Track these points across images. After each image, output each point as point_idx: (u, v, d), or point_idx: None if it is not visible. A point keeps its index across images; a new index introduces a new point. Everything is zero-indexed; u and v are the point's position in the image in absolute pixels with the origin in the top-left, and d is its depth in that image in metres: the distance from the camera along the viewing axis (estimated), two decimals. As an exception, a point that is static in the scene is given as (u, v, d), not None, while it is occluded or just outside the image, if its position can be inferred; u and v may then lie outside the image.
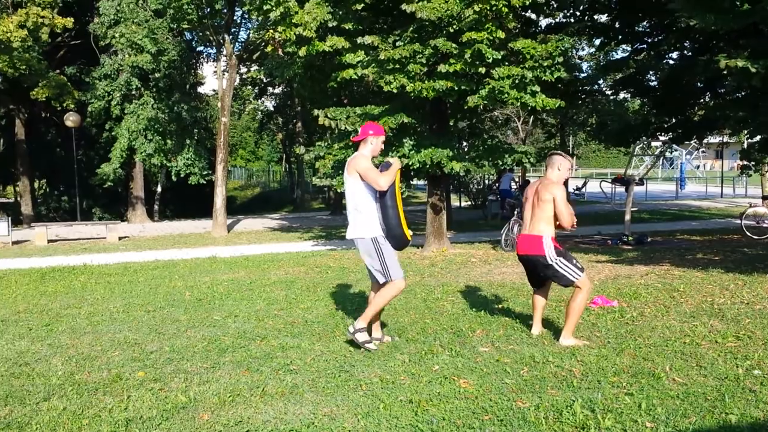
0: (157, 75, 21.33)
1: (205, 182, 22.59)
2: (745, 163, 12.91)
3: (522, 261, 5.56)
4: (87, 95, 21.98)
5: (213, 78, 25.91)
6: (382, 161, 5.56)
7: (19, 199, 26.29)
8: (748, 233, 12.75)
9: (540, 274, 5.47)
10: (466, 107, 10.88)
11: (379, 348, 5.28)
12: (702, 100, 14.94)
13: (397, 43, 10.50)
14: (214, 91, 33.58)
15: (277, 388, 4.41)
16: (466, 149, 12.71)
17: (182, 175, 22.46)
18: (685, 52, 14.67)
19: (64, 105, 21.00)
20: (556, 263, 5.21)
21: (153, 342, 5.82)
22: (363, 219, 5.25)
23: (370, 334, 5.41)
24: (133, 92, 21.74)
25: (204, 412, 4.03)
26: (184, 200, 31.43)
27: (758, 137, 12.54)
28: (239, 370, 4.84)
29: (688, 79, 13.31)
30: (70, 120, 19.15)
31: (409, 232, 5.33)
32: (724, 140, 24.06)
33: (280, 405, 4.11)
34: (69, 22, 19.63)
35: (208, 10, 17.56)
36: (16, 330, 6.49)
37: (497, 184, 20.05)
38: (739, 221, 13.54)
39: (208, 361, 5.12)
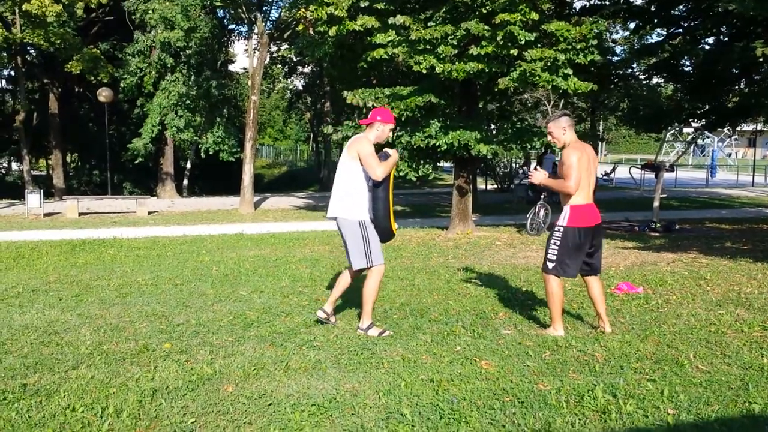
0: (188, 52, 21.46)
1: (233, 159, 22.77)
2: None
3: (592, 234, 4.99)
4: (120, 71, 22.20)
5: (244, 56, 26.02)
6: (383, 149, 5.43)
7: (51, 172, 26.76)
8: (780, 223, 12.53)
9: (599, 247, 5.13)
10: (496, 89, 10.80)
11: (389, 331, 5.26)
12: (737, 87, 14.66)
13: (429, 24, 10.43)
14: (244, 69, 33.74)
15: (300, 363, 4.47)
16: (494, 132, 12.63)
17: (211, 153, 22.64)
18: (722, 37, 14.37)
19: (99, 78, 21.23)
20: None
21: (180, 315, 5.92)
22: (353, 201, 5.17)
23: (372, 323, 5.35)
24: (167, 69, 21.90)
25: (228, 384, 4.10)
26: (213, 177, 31.69)
27: (794, 126, 12.27)
28: (264, 345, 4.92)
29: (723, 66, 13.05)
30: (103, 95, 19.38)
31: (395, 226, 5.31)
32: (758, 128, 23.56)
33: (303, 380, 4.17)
34: (103, -3, 19.82)
35: (241, -13, 17.59)
36: (46, 300, 6.64)
37: (524, 168, 19.99)
38: (771, 211, 13.29)
39: (234, 335, 5.20)
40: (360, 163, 5.10)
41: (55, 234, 12.54)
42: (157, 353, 4.75)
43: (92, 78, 21.51)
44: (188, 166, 28.43)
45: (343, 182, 5.22)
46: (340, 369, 4.37)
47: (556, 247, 4.96)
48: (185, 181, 27.79)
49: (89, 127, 29.80)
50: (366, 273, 5.31)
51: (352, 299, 6.52)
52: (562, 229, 4.95)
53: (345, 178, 5.21)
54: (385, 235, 5.27)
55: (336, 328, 5.40)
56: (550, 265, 5.00)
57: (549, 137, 5.17)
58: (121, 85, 22.37)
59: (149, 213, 16.94)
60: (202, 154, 23.71)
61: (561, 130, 5.00)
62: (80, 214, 16.30)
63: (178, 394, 3.96)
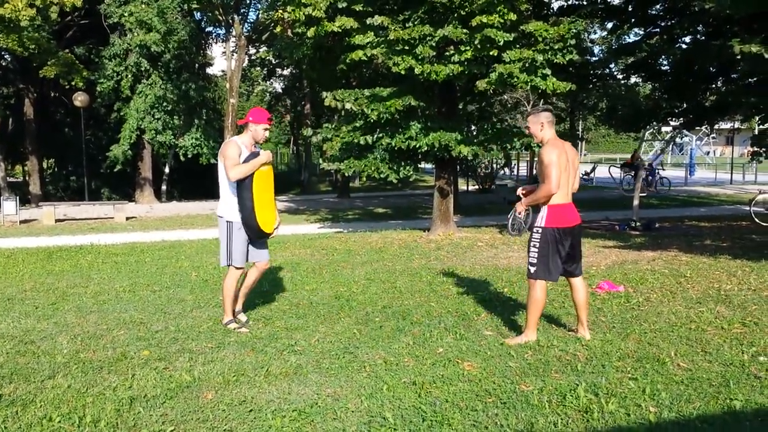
0: (166, 55, 21.29)
1: (213, 162, 22.61)
2: (756, 149, 12.78)
3: (571, 235, 4.87)
4: (96, 75, 21.96)
5: (222, 59, 25.85)
6: (260, 149, 5.51)
7: (27, 178, 26.42)
8: (757, 220, 12.66)
9: (578, 248, 4.98)
10: (475, 91, 10.81)
11: (247, 328, 5.45)
12: (714, 86, 14.80)
13: (407, 25, 10.42)
14: (222, 72, 33.49)
15: (281, 369, 4.42)
16: (474, 133, 12.64)
17: (190, 155, 22.48)
18: (698, 36, 14.51)
19: (73, 83, 20.98)
20: None
21: (158, 321, 5.84)
22: (223, 202, 5.42)
23: (235, 318, 5.63)
24: (143, 72, 21.72)
25: (208, 392, 4.04)
26: (192, 181, 31.44)
27: (770, 123, 12.42)
28: (244, 351, 4.86)
29: (700, 64, 13.17)
30: (79, 99, 19.17)
31: (270, 225, 5.43)
32: (735, 126, 23.84)
33: (284, 385, 4.12)
34: (78, 0, 19.56)
35: (218, -11, 17.49)
36: (22, 308, 6.52)
37: (504, 169, 20.11)
38: (748, 208, 13.44)
39: (213, 341, 5.14)
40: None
41: (31, 241, 12.36)
42: (135, 361, 4.68)
43: (66, 83, 21.26)
44: (167, 170, 28.19)
45: (220, 184, 5.47)
46: (322, 373, 4.33)
47: (536, 250, 4.81)
48: (164, 186, 27.55)
49: (66, 133, 29.46)
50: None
51: (336, 304, 6.48)
52: (540, 230, 4.81)
53: (220, 180, 5.44)
54: (254, 232, 5.39)
55: (317, 332, 5.35)
56: (533, 269, 4.82)
57: (527, 131, 5.04)
58: (98, 89, 22.13)
59: (127, 218, 16.76)
60: (181, 158, 23.54)
61: (539, 125, 4.84)
62: (57, 220, 16.09)
63: (156, 402, 3.90)
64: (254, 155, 5.28)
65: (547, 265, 4.79)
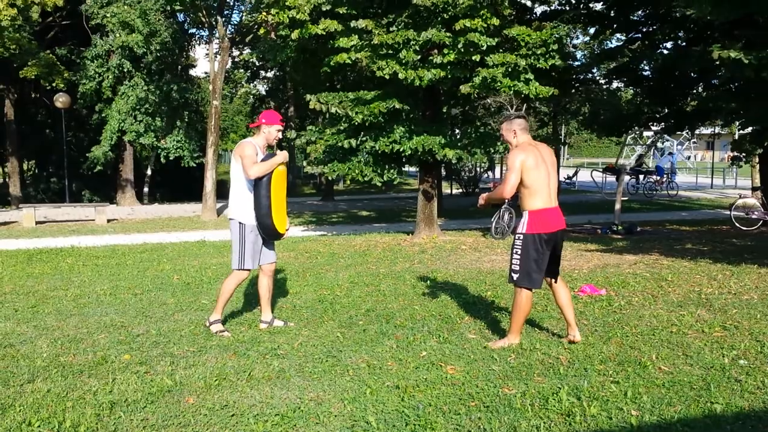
0: (149, 57, 21.14)
1: (195, 165, 22.49)
2: (736, 154, 12.91)
3: (554, 240, 4.80)
4: (78, 76, 21.76)
5: (205, 60, 25.73)
6: (275, 150, 5.57)
7: (7, 180, 26.10)
8: (737, 224, 12.80)
9: (558, 253, 4.94)
10: (459, 95, 10.84)
11: (230, 333, 5.40)
12: (695, 91, 14.95)
13: (391, 28, 10.43)
14: (205, 73, 33.35)
15: (263, 373, 4.39)
16: (458, 136, 12.68)
17: (171, 158, 22.33)
18: (679, 42, 14.67)
19: (54, 84, 20.78)
20: None
21: (140, 325, 5.79)
22: (237, 203, 5.37)
23: (224, 324, 5.59)
24: (125, 74, 21.55)
25: (189, 396, 4.01)
26: (174, 184, 31.26)
27: (750, 128, 12.56)
28: (226, 354, 4.83)
29: (681, 70, 13.31)
30: (60, 101, 18.98)
31: (283, 225, 5.41)
32: (716, 131, 24.13)
33: (266, 389, 4.10)
34: (60, 0, 19.38)
35: (202, -9, 17.40)
36: (1, 311, 6.45)
37: (488, 173, 20.19)
38: (728, 212, 13.58)
39: (195, 345, 5.10)
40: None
41: (10, 243, 12.21)
42: (116, 365, 4.63)
43: (47, 84, 21.04)
44: (149, 172, 27.99)
45: (232, 185, 5.43)
46: (304, 377, 4.31)
47: (519, 257, 4.73)
48: (146, 188, 27.32)
49: (47, 134, 29.15)
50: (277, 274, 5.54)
51: (320, 308, 6.46)
52: (521, 236, 4.74)
53: (233, 180, 5.42)
54: (269, 232, 5.36)
55: (300, 335, 5.33)
56: (515, 276, 4.75)
57: (501, 138, 4.99)
58: (79, 90, 21.92)
59: (108, 221, 16.62)
60: (163, 160, 23.37)
61: (511, 133, 4.80)
62: (37, 222, 15.91)
63: (137, 406, 3.86)
64: (270, 156, 5.30)
65: (529, 273, 4.71)
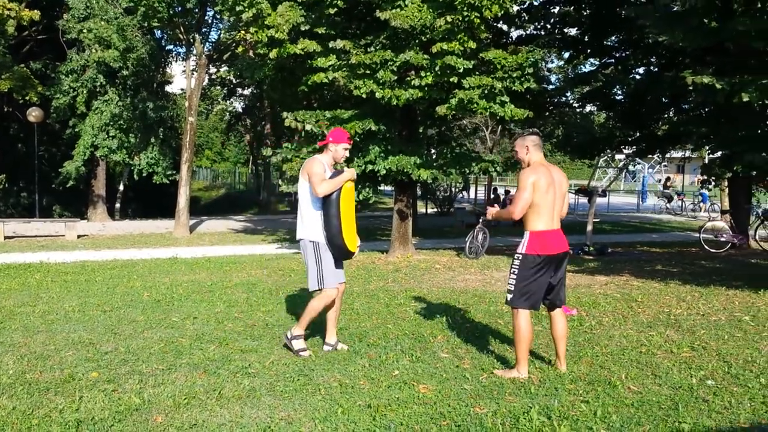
0: (125, 72, 21.02)
1: (168, 182, 22.29)
2: (706, 177, 13.16)
3: (555, 263, 4.68)
4: (52, 90, 21.54)
5: (181, 77, 25.65)
6: (342, 167, 5.49)
7: (-24, 194, 25.63)
8: (706, 246, 13.00)
9: (561, 277, 4.81)
10: (435, 115, 10.93)
11: (311, 354, 5.25)
12: (666, 115, 15.25)
13: (369, 49, 10.51)
14: (182, 90, 33.21)
15: (234, 392, 4.35)
16: (434, 157, 12.76)
17: (144, 174, 22.14)
18: (652, 67, 14.97)
19: (27, 98, 20.53)
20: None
21: (108, 342, 5.70)
22: (307, 222, 5.25)
23: (305, 340, 5.41)
24: (99, 89, 21.38)
25: (158, 415, 3.95)
26: (147, 199, 30.94)
27: (719, 153, 12.82)
28: (196, 373, 4.77)
29: (653, 94, 13.57)
30: (33, 115, 18.75)
31: (354, 244, 5.28)
32: (686, 155, 24.56)
33: (236, 408, 4.06)
34: (36, 15, 19.19)
35: (180, 9, 17.34)
36: (-34, 327, 6.30)
37: (463, 193, 20.31)
38: (697, 235, 13.80)
39: (164, 363, 5.03)
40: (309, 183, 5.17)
41: (-23, 258, 11.96)
42: (83, 382, 4.55)
43: (21, 98, 20.78)
44: (121, 188, 27.70)
45: (301, 204, 5.30)
46: (275, 396, 4.27)
47: (515, 277, 4.61)
48: (118, 204, 27.03)
49: (18, 148, 28.74)
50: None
51: (292, 326, 6.42)
52: (520, 256, 4.62)
53: (301, 200, 5.29)
54: (340, 252, 5.23)
55: (272, 354, 5.29)
56: (509, 297, 4.64)
57: (514, 155, 4.89)
58: (53, 104, 21.69)
59: (79, 236, 16.38)
60: (136, 176, 23.15)
61: (524, 149, 4.67)
62: (6, 237, 15.62)
63: (104, 425, 3.80)
64: (338, 173, 5.20)
65: (523, 293, 4.59)
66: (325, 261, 5.21)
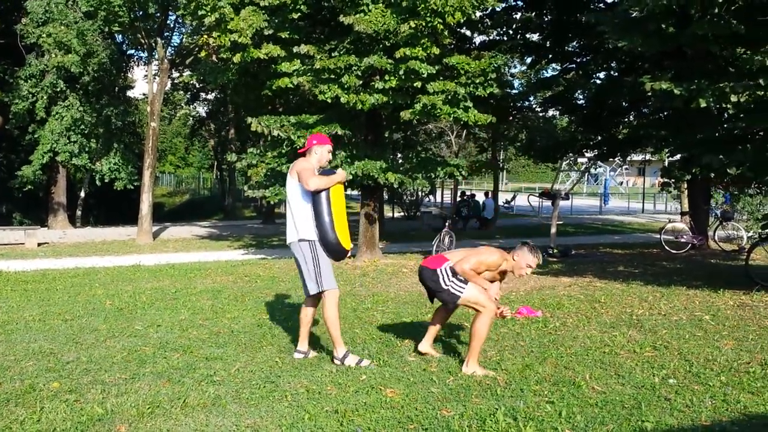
0: (85, 78, 20.66)
1: (131, 188, 21.96)
2: (666, 180, 13.43)
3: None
4: (10, 96, 21.06)
5: (143, 82, 25.30)
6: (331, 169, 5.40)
7: (-69, 201, 24.92)
8: (666, 247, 13.25)
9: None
10: (401, 120, 10.98)
11: (368, 360, 5.18)
12: (626, 119, 15.53)
13: (333, 54, 10.51)
14: (144, 95, 32.78)
15: (198, 400, 4.30)
16: (400, 161, 12.80)
17: (107, 180, 21.79)
18: (612, 72, 15.24)
19: (-16, 105, 20.05)
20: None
21: (70, 352, 5.59)
22: (299, 222, 5.12)
23: (349, 351, 5.29)
24: (59, 94, 20.98)
25: (121, 425, 3.89)
26: (109, 206, 30.45)
27: (678, 156, 13.09)
28: (160, 381, 4.70)
29: (613, 99, 13.82)
30: (-10, 120, 18.31)
31: (347, 242, 5.18)
32: (647, 158, 25.06)
33: (201, 417, 4.01)
34: (-8, 19, 18.79)
35: (141, 13, 17.13)
36: None
37: (430, 197, 20.41)
38: (658, 236, 14.06)
39: (128, 372, 4.95)
40: (299, 181, 5.05)
41: (-68, 268, 11.63)
42: (45, 393, 4.45)
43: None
44: (82, 194, 27.20)
45: (290, 206, 5.19)
46: (241, 404, 4.23)
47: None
48: (79, 211, 26.52)
49: (-24, 155, 28.06)
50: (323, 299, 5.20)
51: (258, 332, 6.37)
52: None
53: (290, 201, 5.18)
54: (334, 250, 5.12)
55: (238, 361, 5.24)
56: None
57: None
58: (12, 110, 21.21)
59: (39, 244, 16.05)
60: (98, 182, 22.75)
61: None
62: (-38, 246, 15.23)
63: (65, 437, 3.72)
64: (328, 172, 5.11)
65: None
66: (322, 259, 5.10)
